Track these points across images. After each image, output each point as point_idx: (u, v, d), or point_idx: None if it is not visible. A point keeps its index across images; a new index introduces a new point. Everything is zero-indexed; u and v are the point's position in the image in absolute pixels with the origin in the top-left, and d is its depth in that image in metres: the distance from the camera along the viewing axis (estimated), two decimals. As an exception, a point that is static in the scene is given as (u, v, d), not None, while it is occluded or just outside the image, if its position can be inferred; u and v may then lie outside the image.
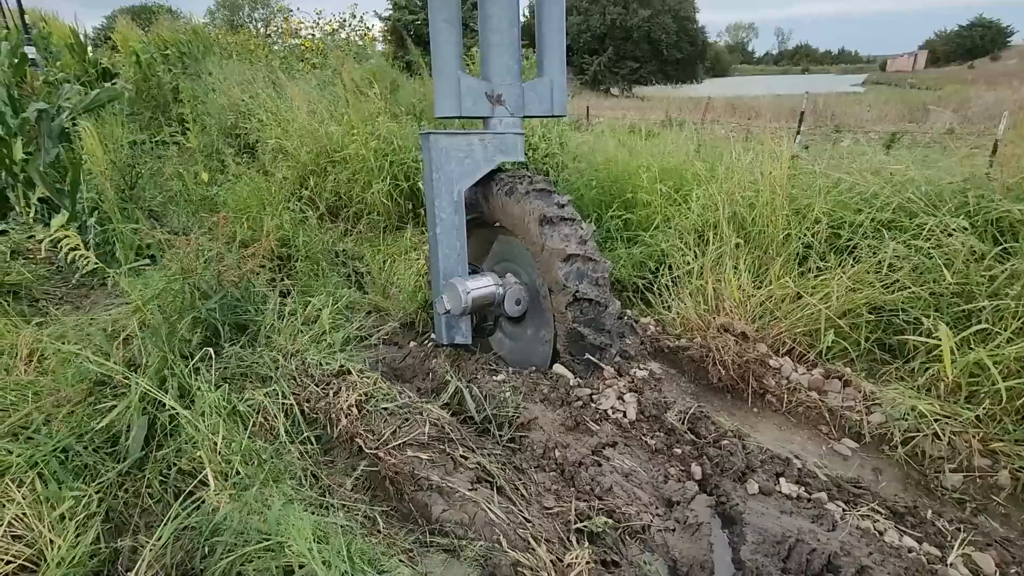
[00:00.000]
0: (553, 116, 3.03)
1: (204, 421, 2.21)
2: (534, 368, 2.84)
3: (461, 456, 2.20)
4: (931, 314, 2.64)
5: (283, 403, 2.50)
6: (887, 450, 2.33)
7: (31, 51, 9.07)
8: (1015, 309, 2.46)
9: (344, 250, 4.35)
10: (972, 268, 2.68)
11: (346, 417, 2.36)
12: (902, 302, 2.66)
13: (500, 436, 2.45)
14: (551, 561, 1.74)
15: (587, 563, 1.72)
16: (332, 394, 2.52)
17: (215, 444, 2.12)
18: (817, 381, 2.62)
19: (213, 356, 2.51)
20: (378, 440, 2.25)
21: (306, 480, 2.16)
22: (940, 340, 2.35)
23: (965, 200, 2.99)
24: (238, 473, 2.04)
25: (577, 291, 2.58)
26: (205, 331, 2.83)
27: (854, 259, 2.96)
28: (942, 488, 2.16)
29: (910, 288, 2.64)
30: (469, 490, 2.04)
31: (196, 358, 2.55)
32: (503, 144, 2.89)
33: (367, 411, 2.41)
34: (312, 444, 2.37)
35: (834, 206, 3.20)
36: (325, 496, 2.10)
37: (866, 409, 2.43)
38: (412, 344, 3.41)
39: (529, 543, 1.82)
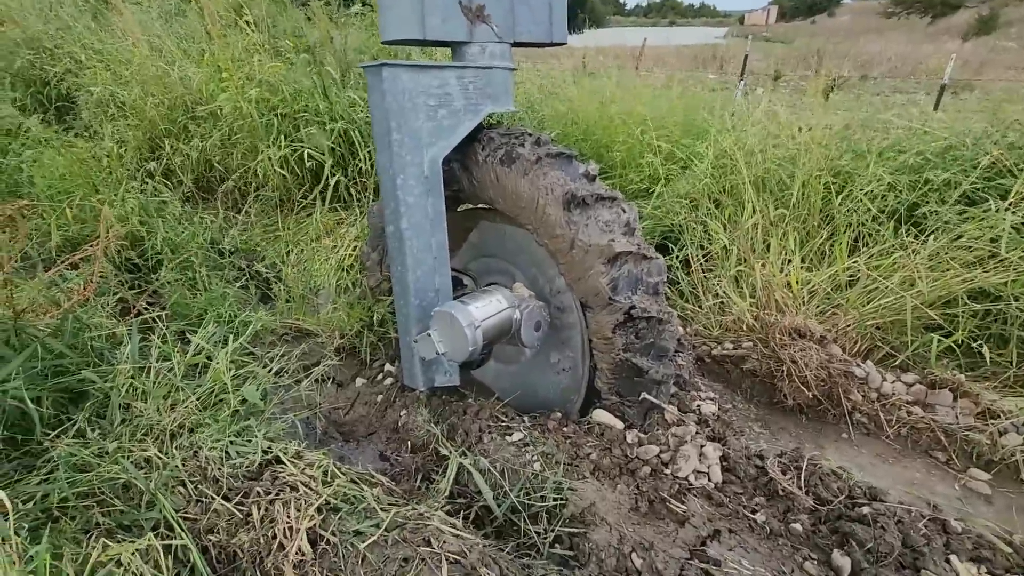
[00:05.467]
0: (553, 44, 2.08)
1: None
2: (559, 414, 2.00)
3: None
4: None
5: (175, 545, 1.43)
6: (1034, 484, 1.84)
7: None
8: None
9: (233, 246, 3.09)
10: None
11: (295, 570, 1.36)
12: (1012, 285, 2.16)
13: (540, 537, 1.61)
14: None
15: None
16: (260, 518, 1.50)
17: None
18: (919, 393, 2.07)
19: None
20: (364, 611, 1.30)
21: None
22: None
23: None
24: None
25: (632, 307, 1.74)
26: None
27: (920, 231, 2.43)
28: None
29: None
30: None
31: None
32: (490, 84, 1.91)
33: (330, 544, 1.43)
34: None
35: (886, 167, 2.63)
36: None
37: (996, 429, 1.92)
38: (359, 382, 2.39)
39: None
